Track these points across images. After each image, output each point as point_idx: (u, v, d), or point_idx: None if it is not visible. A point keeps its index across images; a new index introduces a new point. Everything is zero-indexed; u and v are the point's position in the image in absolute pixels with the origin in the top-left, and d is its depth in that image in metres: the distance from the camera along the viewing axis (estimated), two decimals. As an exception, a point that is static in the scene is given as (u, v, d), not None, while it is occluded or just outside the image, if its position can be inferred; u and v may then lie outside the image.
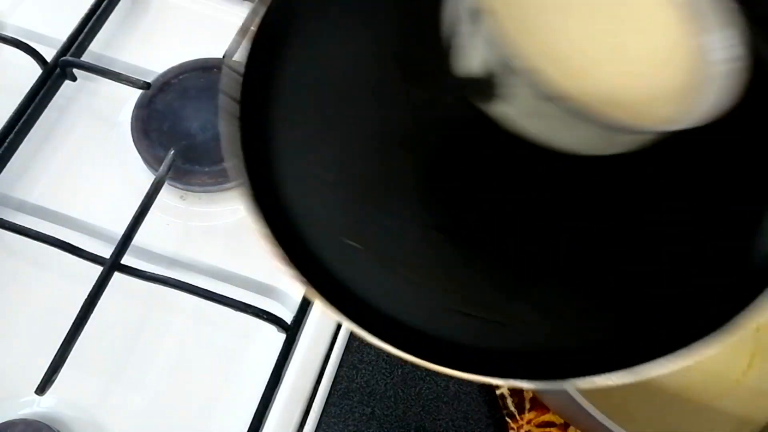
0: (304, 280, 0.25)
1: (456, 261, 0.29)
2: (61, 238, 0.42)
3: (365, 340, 0.26)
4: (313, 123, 0.31)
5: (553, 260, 0.29)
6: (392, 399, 0.42)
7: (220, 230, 0.46)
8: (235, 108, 0.27)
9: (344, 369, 0.43)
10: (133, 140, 0.46)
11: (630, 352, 0.24)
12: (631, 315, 0.27)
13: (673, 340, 0.24)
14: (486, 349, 0.27)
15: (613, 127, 0.23)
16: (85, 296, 0.39)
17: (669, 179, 0.29)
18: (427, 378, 0.43)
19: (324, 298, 0.26)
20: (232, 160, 0.26)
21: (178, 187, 0.45)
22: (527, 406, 0.41)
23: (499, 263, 0.29)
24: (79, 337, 0.38)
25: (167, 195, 0.45)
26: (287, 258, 0.26)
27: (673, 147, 0.25)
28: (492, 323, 0.28)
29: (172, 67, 0.49)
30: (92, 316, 0.39)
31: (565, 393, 0.31)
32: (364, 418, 0.41)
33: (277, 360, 0.40)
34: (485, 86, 0.25)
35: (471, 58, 0.25)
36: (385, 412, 0.42)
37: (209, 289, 0.41)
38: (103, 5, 0.51)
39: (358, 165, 0.31)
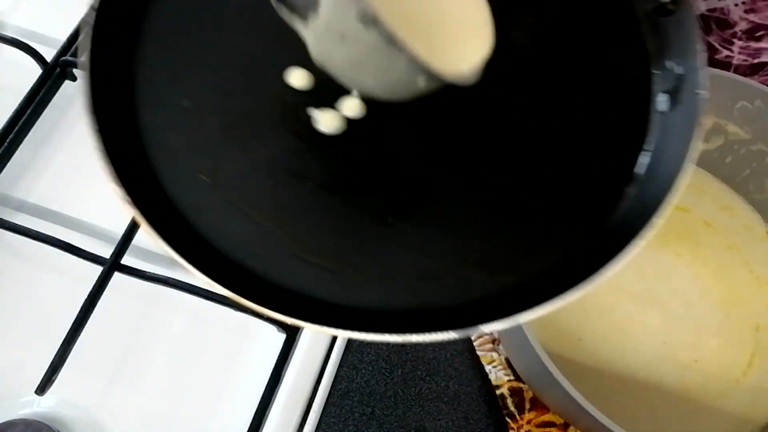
0: (129, 200, 0.26)
1: (306, 209, 0.29)
2: (61, 238, 0.42)
3: (192, 275, 0.25)
4: (182, 49, 0.31)
5: (396, 219, 0.29)
6: (392, 399, 0.42)
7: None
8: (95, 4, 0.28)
9: (344, 369, 0.43)
10: (133, 140, 0.46)
11: (458, 313, 0.27)
12: (467, 274, 0.28)
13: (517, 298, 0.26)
14: (325, 300, 0.28)
15: (418, 65, 0.24)
16: (85, 296, 0.39)
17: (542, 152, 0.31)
18: (427, 378, 0.43)
19: (149, 224, 0.25)
20: (83, 58, 0.27)
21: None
22: (527, 406, 0.41)
23: (348, 215, 0.30)
24: (79, 337, 0.38)
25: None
26: (115, 174, 0.26)
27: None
28: (333, 273, 0.28)
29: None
30: (92, 316, 0.39)
31: (566, 393, 0.31)
32: (364, 418, 0.41)
33: (277, 360, 0.40)
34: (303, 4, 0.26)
35: None
36: (385, 412, 0.42)
37: (209, 289, 0.41)
38: (103, 5, 0.51)
39: (227, 100, 0.31)
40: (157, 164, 0.29)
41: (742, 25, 0.39)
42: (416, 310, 0.28)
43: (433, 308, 0.28)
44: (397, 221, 0.29)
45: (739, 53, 0.41)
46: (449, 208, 0.30)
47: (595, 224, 0.29)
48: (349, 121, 0.31)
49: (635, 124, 0.31)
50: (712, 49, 0.42)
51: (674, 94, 0.31)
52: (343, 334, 0.25)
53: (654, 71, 0.32)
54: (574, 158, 0.31)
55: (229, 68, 0.32)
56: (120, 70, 0.30)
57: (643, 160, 0.30)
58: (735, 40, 0.41)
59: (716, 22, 0.40)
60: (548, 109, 0.32)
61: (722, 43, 0.41)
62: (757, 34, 0.40)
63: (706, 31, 0.41)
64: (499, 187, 0.31)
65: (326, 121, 0.31)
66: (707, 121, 0.43)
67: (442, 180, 0.31)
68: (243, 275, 0.28)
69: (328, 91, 0.31)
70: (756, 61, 0.41)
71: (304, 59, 0.29)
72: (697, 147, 0.28)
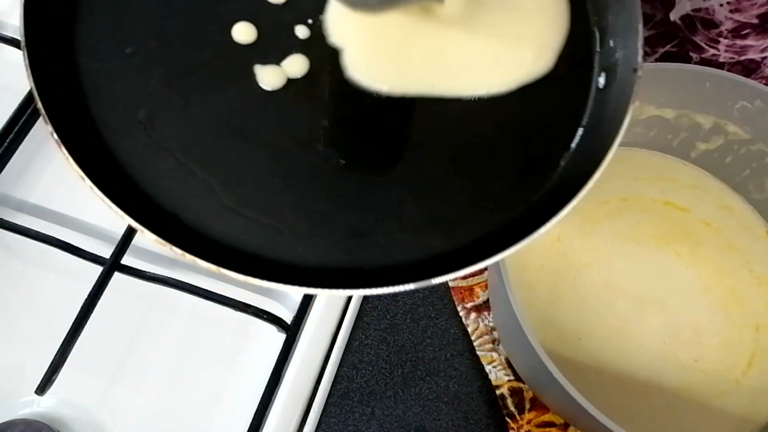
0: (58, 140, 0.26)
1: (243, 163, 0.30)
2: (61, 238, 0.42)
3: (130, 224, 0.26)
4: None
5: (333, 176, 0.30)
6: (392, 399, 0.42)
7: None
8: None
9: (344, 369, 0.43)
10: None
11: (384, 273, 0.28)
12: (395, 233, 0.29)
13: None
14: (257, 254, 0.28)
15: None
16: (85, 296, 0.39)
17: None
18: (427, 378, 0.43)
19: (78, 166, 0.26)
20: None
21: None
22: (527, 406, 0.41)
23: (285, 170, 0.30)
24: (79, 337, 0.38)
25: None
26: (47, 116, 0.26)
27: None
28: (267, 227, 0.29)
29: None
30: (92, 316, 0.39)
31: (566, 393, 0.31)
32: (364, 418, 0.41)
33: (277, 360, 0.40)
34: None
35: None
36: (385, 412, 0.42)
37: (209, 289, 0.41)
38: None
39: (170, 49, 0.31)
40: (94, 108, 0.29)
41: (728, 25, 0.40)
42: (347, 268, 0.29)
43: (363, 267, 0.29)
44: (334, 179, 0.30)
45: (726, 51, 0.41)
46: (385, 169, 0.31)
47: (526, 196, 0.30)
48: (292, 79, 0.31)
49: (576, 99, 0.32)
50: (698, 48, 0.42)
51: (612, 72, 0.31)
52: (267, 285, 0.25)
53: (597, 49, 0.32)
54: (514, 129, 0.32)
55: (175, 18, 0.32)
56: (61, 12, 0.30)
57: (578, 134, 0.31)
58: (721, 39, 0.41)
59: (701, 22, 0.40)
60: None
61: (708, 42, 0.41)
62: (743, 33, 0.40)
63: (692, 30, 0.41)
64: (439, 151, 0.31)
65: (269, 78, 0.31)
66: (707, 121, 0.43)
67: (379, 141, 0.31)
68: (175, 223, 0.28)
69: (272, 46, 0.31)
70: (743, 58, 0.41)
71: (250, 12, 0.30)
72: (626, 125, 0.28)
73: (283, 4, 0.33)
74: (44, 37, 0.28)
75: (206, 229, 0.29)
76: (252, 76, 0.31)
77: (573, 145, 0.31)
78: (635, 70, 0.29)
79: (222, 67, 0.31)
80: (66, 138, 0.26)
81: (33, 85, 0.27)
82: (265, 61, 0.31)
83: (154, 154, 0.29)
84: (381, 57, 0.32)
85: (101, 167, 0.27)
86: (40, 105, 0.27)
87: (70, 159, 0.26)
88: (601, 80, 0.32)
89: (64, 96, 0.28)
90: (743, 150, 0.43)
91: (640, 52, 0.29)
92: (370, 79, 0.31)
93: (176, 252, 0.26)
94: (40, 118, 0.47)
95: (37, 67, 0.27)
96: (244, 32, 0.31)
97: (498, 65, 0.32)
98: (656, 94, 0.42)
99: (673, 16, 0.41)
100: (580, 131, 0.31)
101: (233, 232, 0.29)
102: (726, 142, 0.43)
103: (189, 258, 0.26)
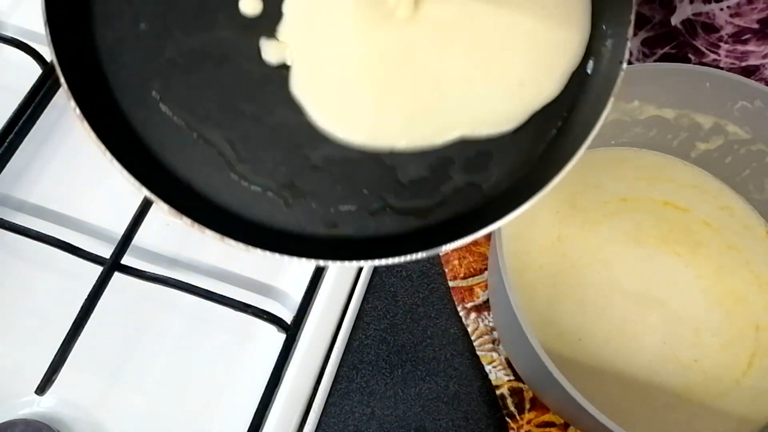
0: (80, 114, 0.27)
1: (248, 135, 0.31)
2: (61, 238, 0.42)
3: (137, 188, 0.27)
4: None
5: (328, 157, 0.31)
6: (392, 399, 0.42)
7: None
8: None
9: (344, 369, 0.43)
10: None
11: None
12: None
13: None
14: (263, 224, 0.30)
15: None
16: (85, 296, 0.39)
17: None
18: (427, 378, 0.43)
19: (90, 125, 0.27)
20: None
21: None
22: (527, 406, 0.41)
23: (287, 142, 0.31)
24: (79, 337, 0.38)
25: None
26: (69, 90, 0.28)
27: None
28: (274, 197, 0.30)
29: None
30: (92, 316, 0.39)
31: (566, 393, 0.31)
32: (364, 418, 0.41)
33: (277, 360, 0.40)
34: None
35: None
36: (385, 412, 0.42)
37: (209, 289, 0.41)
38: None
39: (182, 26, 0.32)
40: (113, 82, 0.30)
41: (728, 29, 0.39)
42: (357, 239, 0.30)
43: (348, 239, 0.30)
44: (329, 160, 0.31)
45: (726, 56, 0.41)
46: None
47: (506, 180, 0.31)
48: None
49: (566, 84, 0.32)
50: (698, 53, 0.42)
51: (598, 60, 0.31)
52: (271, 256, 0.27)
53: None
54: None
55: None
56: None
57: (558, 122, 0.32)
58: (721, 44, 0.41)
59: (702, 27, 0.40)
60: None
61: (708, 47, 0.41)
62: (744, 38, 0.40)
63: (693, 35, 0.41)
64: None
65: (273, 52, 0.32)
66: (707, 121, 0.43)
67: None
68: (187, 193, 0.30)
69: (277, 19, 0.32)
70: (744, 64, 0.41)
71: None
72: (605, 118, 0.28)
73: None
74: (63, 15, 0.29)
75: (216, 199, 0.30)
76: (257, 50, 0.32)
77: (552, 133, 0.32)
78: (620, 62, 0.29)
79: (229, 41, 0.32)
80: (86, 112, 0.28)
81: (55, 60, 0.28)
82: (270, 35, 0.32)
83: (168, 125, 0.30)
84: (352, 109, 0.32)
85: (119, 140, 0.29)
86: (62, 80, 0.28)
87: (92, 133, 0.27)
88: (590, 65, 0.32)
89: (84, 71, 0.30)
90: (743, 150, 0.43)
91: (629, 44, 0.29)
92: (343, 133, 0.31)
93: (185, 222, 0.27)
94: (40, 118, 0.47)
95: (58, 43, 0.28)
96: (250, 4, 0.32)
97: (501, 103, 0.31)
98: (656, 94, 0.42)
99: (674, 20, 0.41)
100: (560, 120, 0.32)
101: (241, 203, 0.30)
102: (726, 142, 0.43)
103: (198, 228, 0.27)
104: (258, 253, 0.27)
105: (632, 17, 0.29)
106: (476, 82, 0.31)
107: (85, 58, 0.30)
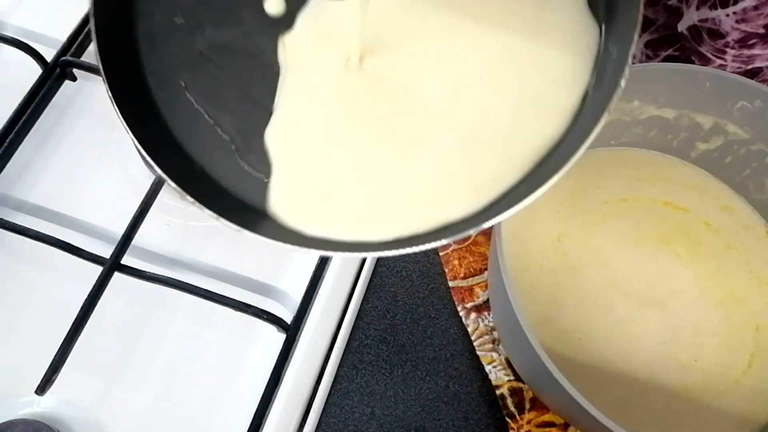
0: (112, 98, 0.29)
1: (258, 126, 0.33)
2: (61, 238, 0.42)
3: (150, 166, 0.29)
4: None
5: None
6: (392, 399, 0.42)
7: (220, 230, 0.46)
8: None
9: (344, 369, 0.43)
10: (133, 140, 0.46)
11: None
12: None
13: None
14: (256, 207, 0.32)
15: None
16: (85, 296, 0.39)
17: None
18: (427, 378, 0.43)
19: (120, 109, 0.29)
20: None
21: (178, 187, 0.45)
22: (527, 406, 0.41)
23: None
24: (79, 337, 0.38)
25: (167, 195, 0.45)
26: (102, 61, 0.30)
27: None
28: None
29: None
30: (92, 316, 0.39)
31: (566, 393, 0.31)
32: (364, 418, 0.41)
33: (277, 360, 0.40)
34: None
35: None
36: (385, 412, 0.42)
37: (209, 289, 0.41)
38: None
39: (212, 23, 0.34)
40: (148, 66, 0.33)
41: (734, 35, 0.39)
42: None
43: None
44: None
45: (733, 61, 0.41)
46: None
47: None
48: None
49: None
50: (704, 59, 0.42)
51: (600, 75, 0.31)
52: (281, 246, 0.28)
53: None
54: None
55: None
56: None
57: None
58: (728, 50, 0.41)
59: (708, 33, 0.40)
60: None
61: (714, 53, 0.41)
62: (750, 42, 0.40)
63: (698, 41, 0.41)
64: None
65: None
66: (707, 121, 0.43)
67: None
68: (200, 177, 0.32)
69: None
70: (750, 67, 0.41)
71: None
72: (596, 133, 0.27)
73: None
74: (108, 6, 0.31)
75: (225, 184, 0.32)
76: (276, 48, 0.34)
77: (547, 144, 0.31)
78: (620, 79, 0.28)
79: (252, 38, 0.34)
80: (117, 97, 0.30)
81: (96, 47, 0.30)
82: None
83: (189, 111, 0.32)
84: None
85: (144, 125, 0.30)
86: (100, 65, 0.30)
87: (121, 118, 0.29)
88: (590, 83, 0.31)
89: (120, 59, 0.32)
90: (743, 150, 0.43)
91: (629, 63, 0.28)
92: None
93: (195, 204, 0.29)
94: (40, 118, 0.47)
95: (100, 32, 0.30)
96: (274, 5, 0.34)
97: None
98: (656, 94, 0.42)
99: (681, 26, 0.41)
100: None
101: (250, 192, 0.32)
102: (726, 142, 0.43)
103: (207, 213, 0.29)
104: (249, 235, 0.29)
105: (636, 36, 0.28)
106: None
107: (124, 45, 0.32)
